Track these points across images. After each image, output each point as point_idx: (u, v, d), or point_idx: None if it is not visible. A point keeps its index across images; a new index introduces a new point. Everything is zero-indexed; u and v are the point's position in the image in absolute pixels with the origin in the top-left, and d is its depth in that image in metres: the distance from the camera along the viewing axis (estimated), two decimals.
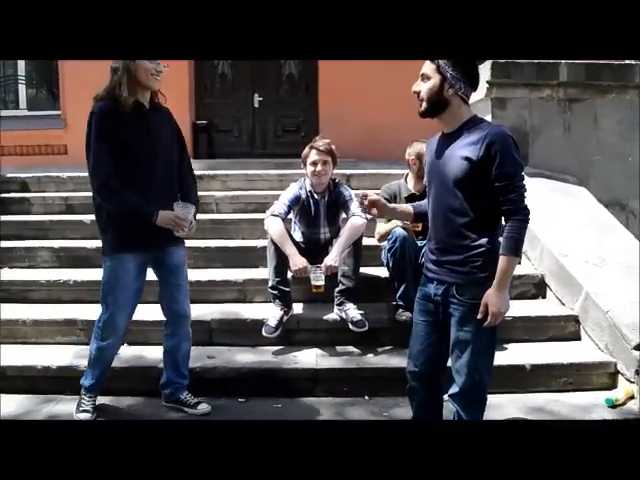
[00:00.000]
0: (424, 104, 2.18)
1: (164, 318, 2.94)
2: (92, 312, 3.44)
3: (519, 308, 3.51)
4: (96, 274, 3.32)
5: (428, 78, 2.16)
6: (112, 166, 2.62)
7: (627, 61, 5.33)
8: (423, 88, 2.17)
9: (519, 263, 4.05)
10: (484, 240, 2.16)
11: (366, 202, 2.36)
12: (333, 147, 3.62)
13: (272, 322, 3.32)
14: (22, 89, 8.23)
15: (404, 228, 3.36)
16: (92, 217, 2.88)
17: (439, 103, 2.16)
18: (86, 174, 2.72)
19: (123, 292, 2.75)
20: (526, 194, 2.15)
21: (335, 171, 3.72)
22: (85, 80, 6.91)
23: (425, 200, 2.42)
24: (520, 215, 2.11)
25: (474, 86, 2.21)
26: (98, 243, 2.96)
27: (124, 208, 2.65)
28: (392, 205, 2.77)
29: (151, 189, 2.68)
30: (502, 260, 2.11)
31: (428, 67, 2.17)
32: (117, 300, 2.75)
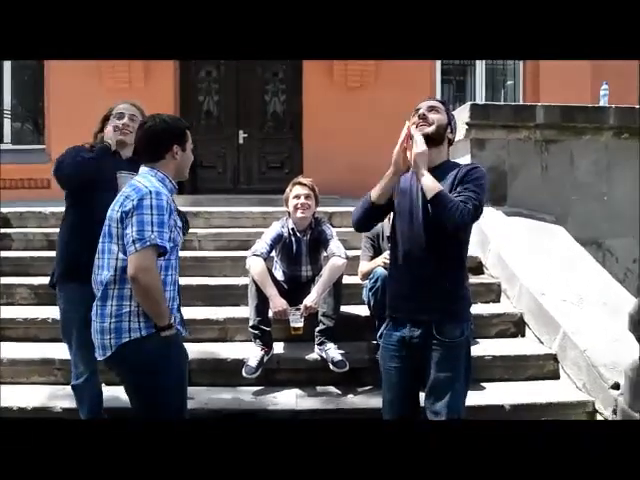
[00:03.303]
0: (433, 128, 2.23)
1: None
2: None
3: (498, 347, 3.54)
4: None
5: (438, 112, 2.26)
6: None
7: (601, 104, 5.51)
8: (435, 116, 2.25)
9: (497, 301, 4.11)
10: (461, 275, 2.22)
11: None
12: (315, 186, 3.67)
13: (253, 362, 3.31)
14: (7, 123, 8.28)
15: (385, 267, 3.39)
16: None
17: (439, 138, 2.25)
18: None
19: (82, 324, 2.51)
20: (474, 213, 2.12)
21: (317, 209, 3.76)
22: (70, 116, 7.00)
23: None
24: (462, 206, 2.09)
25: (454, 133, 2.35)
26: None
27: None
28: None
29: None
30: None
31: (438, 103, 2.29)
32: (80, 334, 2.60)
